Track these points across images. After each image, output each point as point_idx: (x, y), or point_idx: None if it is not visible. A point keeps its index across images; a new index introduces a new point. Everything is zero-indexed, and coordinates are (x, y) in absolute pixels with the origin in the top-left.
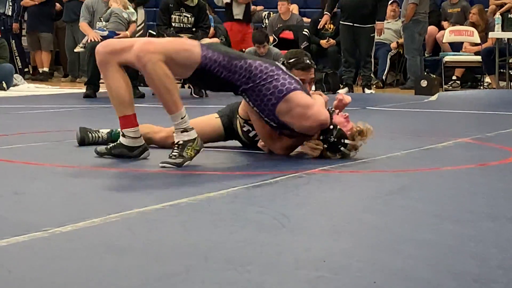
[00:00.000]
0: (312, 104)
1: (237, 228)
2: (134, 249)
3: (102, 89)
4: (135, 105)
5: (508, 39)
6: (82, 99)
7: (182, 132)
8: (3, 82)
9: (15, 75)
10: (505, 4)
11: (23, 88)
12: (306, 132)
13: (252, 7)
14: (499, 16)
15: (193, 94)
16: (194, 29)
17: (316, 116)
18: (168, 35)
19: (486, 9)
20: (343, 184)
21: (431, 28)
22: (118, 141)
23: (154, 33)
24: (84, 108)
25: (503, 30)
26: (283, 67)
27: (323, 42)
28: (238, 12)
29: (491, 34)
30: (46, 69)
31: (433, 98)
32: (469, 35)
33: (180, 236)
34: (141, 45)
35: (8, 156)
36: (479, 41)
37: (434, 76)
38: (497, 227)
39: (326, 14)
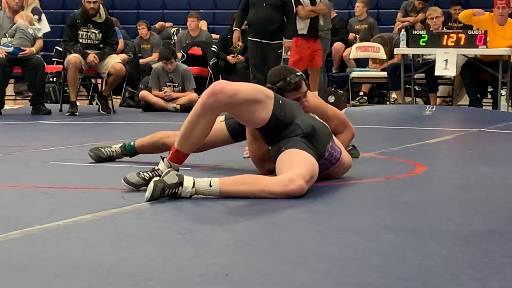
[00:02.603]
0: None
1: (140, 244)
2: (35, 266)
3: (8, 105)
4: (41, 121)
5: (413, 55)
6: None
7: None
8: None
9: None
10: (411, 22)
11: None
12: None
13: (161, 23)
14: (404, 32)
15: (101, 111)
16: (101, 45)
17: (350, 162)
18: (75, 51)
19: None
20: (247, 199)
21: (338, 45)
22: (161, 172)
23: (61, 49)
24: None
25: (408, 46)
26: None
27: (229, 57)
28: (302, 27)
29: (396, 50)
30: None
31: None
32: (375, 51)
33: (82, 252)
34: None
35: None
36: (385, 57)
37: (342, 92)
38: (398, 240)
39: (236, 29)
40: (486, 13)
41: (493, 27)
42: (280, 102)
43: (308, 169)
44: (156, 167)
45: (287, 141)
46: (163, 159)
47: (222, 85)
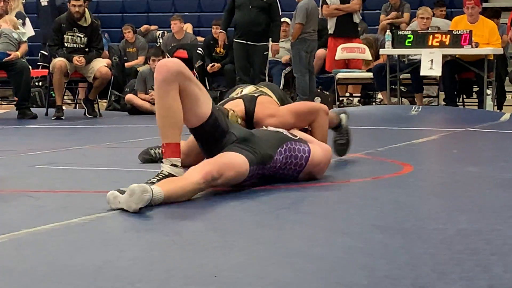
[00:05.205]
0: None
1: (127, 247)
2: (21, 270)
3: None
4: (27, 126)
5: (398, 55)
6: None
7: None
8: None
9: None
10: (396, 22)
11: None
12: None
13: (146, 26)
14: (389, 33)
15: (87, 114)
16: (87, 49)
17: (326, 157)
18: (60, 55)
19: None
20: (235, 200)
21: (320, 52)
22: (166, 172)
23: (46, 53)
24: None
25: (393, 46)
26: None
27: (208, 68)
28: (330, 25)
29: (382, 51)
30: None
31: None
32: (360, 52)
33: (69, 255)
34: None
35: None
36: (370, 58)
37: (328, 93)
38: (386, 239)
39: (221, 32)
40: (456, 17)
41: (466, 27)
42: (217, 108)
43: (218, 164)
44: (159, 171)
45: (224, 150)
46: (162, 161)
47: (165, 59)
